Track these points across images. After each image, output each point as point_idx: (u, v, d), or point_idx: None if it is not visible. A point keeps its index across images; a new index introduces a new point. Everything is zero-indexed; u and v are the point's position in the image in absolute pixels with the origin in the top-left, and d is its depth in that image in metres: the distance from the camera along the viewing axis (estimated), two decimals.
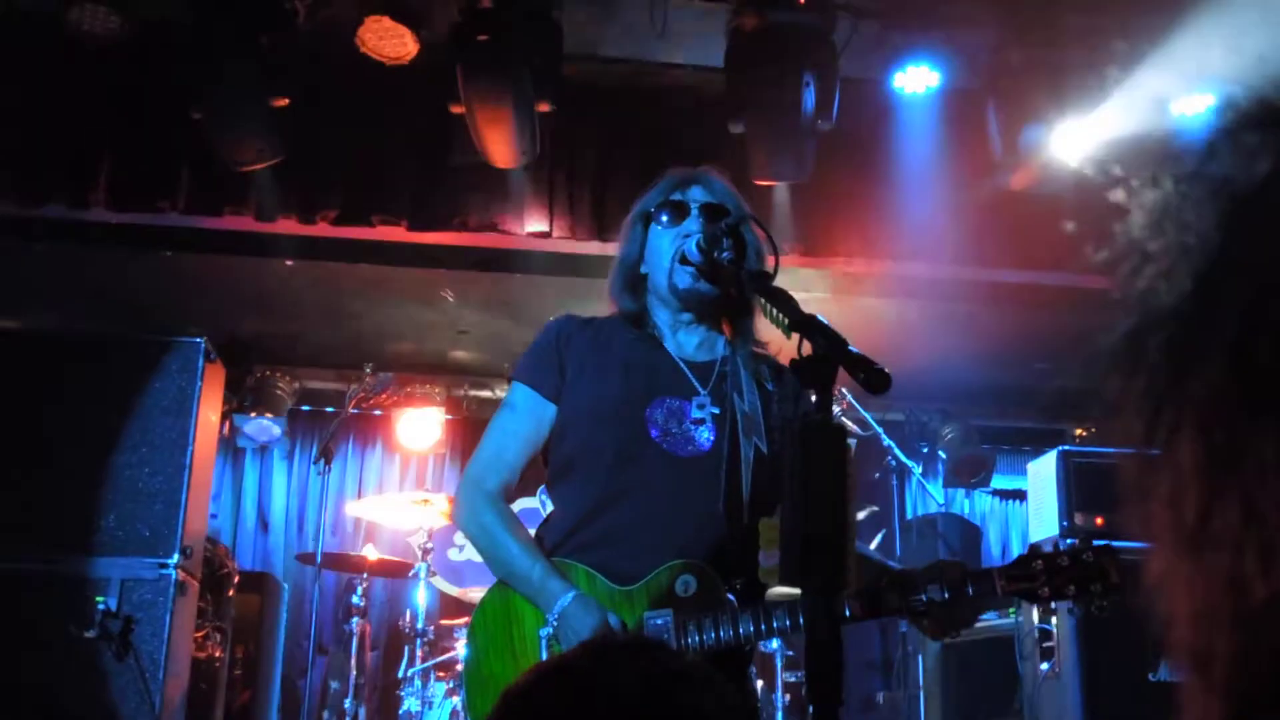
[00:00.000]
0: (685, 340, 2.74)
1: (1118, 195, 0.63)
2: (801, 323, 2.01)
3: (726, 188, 2.76)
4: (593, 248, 6.13)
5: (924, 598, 2.38)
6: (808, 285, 6.29)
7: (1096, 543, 2.43)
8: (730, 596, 2.51)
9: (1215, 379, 0.54)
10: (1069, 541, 5.07)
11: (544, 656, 2.44)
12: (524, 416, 2.70)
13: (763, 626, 2.40)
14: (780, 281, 2.33)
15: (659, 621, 2.45)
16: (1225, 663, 0.55)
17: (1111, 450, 5.34)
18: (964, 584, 2.39)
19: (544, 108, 5.55)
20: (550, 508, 2.76)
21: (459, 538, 6.93)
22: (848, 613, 2.38)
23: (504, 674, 2.51)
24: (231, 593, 5.82)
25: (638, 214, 2.78)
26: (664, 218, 2.71)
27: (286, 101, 5.67)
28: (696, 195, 2.71)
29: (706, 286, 2.62)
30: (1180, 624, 0.57)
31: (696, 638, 2.42)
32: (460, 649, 4.77)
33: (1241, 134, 0.59)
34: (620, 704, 1.11)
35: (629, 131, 6.12)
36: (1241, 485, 0.53)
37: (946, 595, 2.39)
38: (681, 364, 2.70)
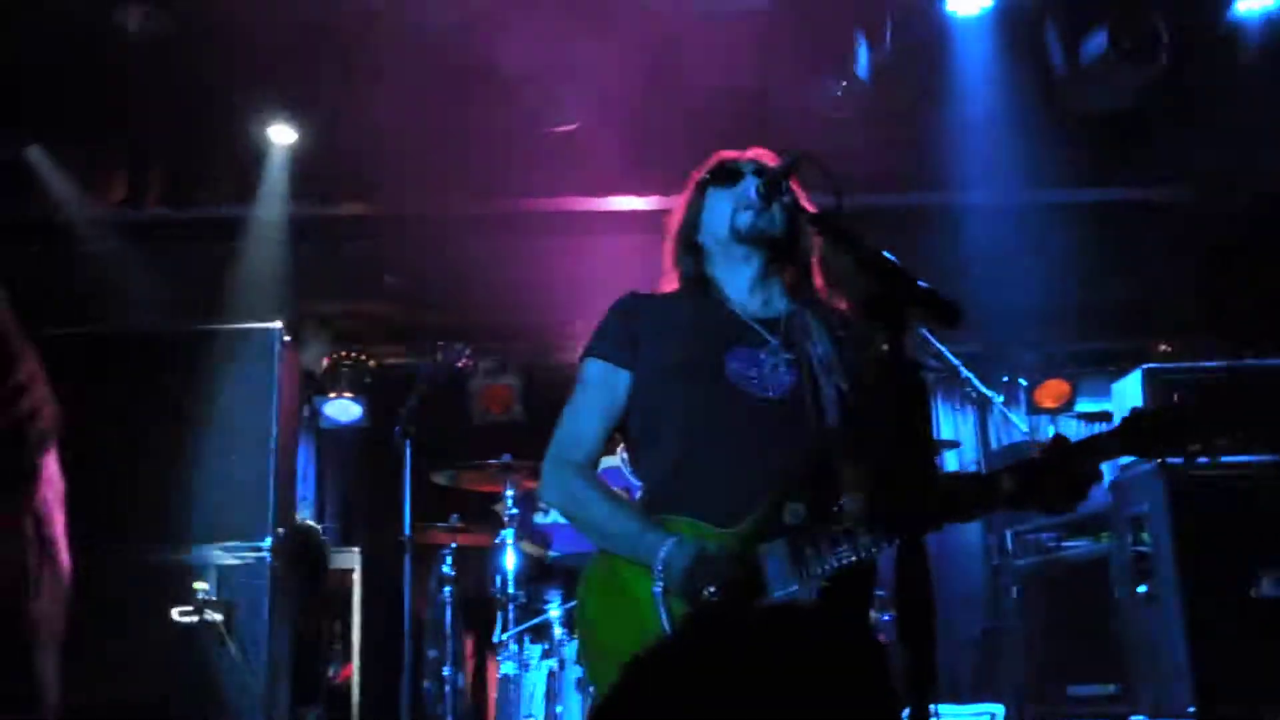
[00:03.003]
0: (750, 299, 2.75)
1: None
2: (869, 260, 1.97)
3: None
4: (655, 202, 6.11)
5: (1036, 465, 2.36)
6: (873, 221, 6.20)
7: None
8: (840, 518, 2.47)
9: None
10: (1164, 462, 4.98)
11: (662, 614, 2.41)
12: (599, 388, 2.72)
13: (881, 542, 2.34)
14: (846, 219, 2.31)
15: (776, 553, 2.40)
16: None
17: (1198, 365, 5.24)
18: (1075, 451, 2.36)
19: None
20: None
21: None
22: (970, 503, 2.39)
23: (623, 640, 2.43)
24: (325, 571, 5.93)
25: (695, 185, 2.84)
26: (721, 181, 2.77)
27: None
28: (751, 163, 2.76)
29: (767, 222, 2.66)
30: None
31: (817, 563, 2.36)
32: (553, 612, 4.81)
33: None
34: (735, 657, 1.10)
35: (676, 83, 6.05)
36: None
37: (1055, 464, 2.35)
38: (749, 320, 2.71)
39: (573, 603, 4.52)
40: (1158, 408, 2.38)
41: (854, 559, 2.35)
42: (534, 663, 4.80)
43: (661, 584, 2.41)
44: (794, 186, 2.68)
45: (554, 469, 2.71)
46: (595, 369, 2.73)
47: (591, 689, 2.60)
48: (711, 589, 2.33)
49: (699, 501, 2.52)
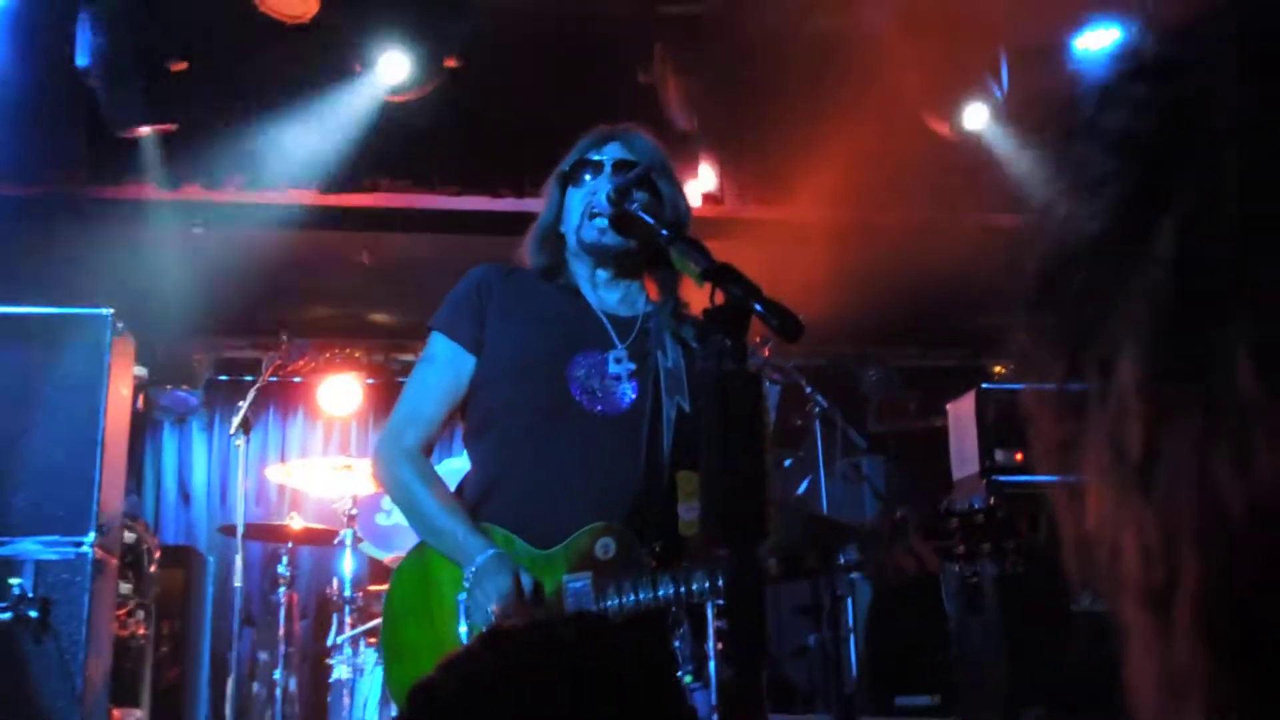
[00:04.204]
0: (606, 295, 2.69)
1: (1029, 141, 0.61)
2: (713, 271, 1.98)
3: (649, 143, 2.69)
4: (508, 204, 6.07)
5: (841, 559, 2.38)
6: (727, 234, 6.26)
7: (1013, 479, 2.45)
8: (651, 560, 2.49)
9: (1157, 291, 0.50)
10: (992, 479, 5.15)
11: (461, 621, 2.40)
12: (443, 369, 2.64)
13: (682, 590, 2.38)
14: (699, 231, 2.31)
15: (578, 585, 2.43)
16: (1194, 594, 0.49)
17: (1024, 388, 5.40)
18: (881, 543, 2.39)
19: (450, 63, 5.47)
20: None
21: (386, 502, 6.85)
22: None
23: (421, 641, 2.48)
24: (154, 569, 5.71)
25: (555, 176, 2.71)
26: (577, 177, 2.66)
27: (185, 65, 5.52)
28: (612, 152, 2.65)
29: (613, 239, 2.57)
30: (1132, 562, 0.53)
31: (616, 600, 2.40)
32: None
33: (1132, 84, 0.56)
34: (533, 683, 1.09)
35: (545, 84, 6.03)
36: (1207, 390, 0.49)
37: (861, 557, 2.38)
38: (602, 316, 2.65)
39: None
40: (962, 513, 2.39)
41: (653, 601, 2.39)
42: (368, 668, 4.72)
43: (465, 594, 2.40)
44: (673, 181, 2.63)
45: (387, 449, 2.63)
46: (442, 346, 2.64)
47: (388, 690, 2.57)
48: (498, 615, 2.33)
49: (520, 517, 2.51)
